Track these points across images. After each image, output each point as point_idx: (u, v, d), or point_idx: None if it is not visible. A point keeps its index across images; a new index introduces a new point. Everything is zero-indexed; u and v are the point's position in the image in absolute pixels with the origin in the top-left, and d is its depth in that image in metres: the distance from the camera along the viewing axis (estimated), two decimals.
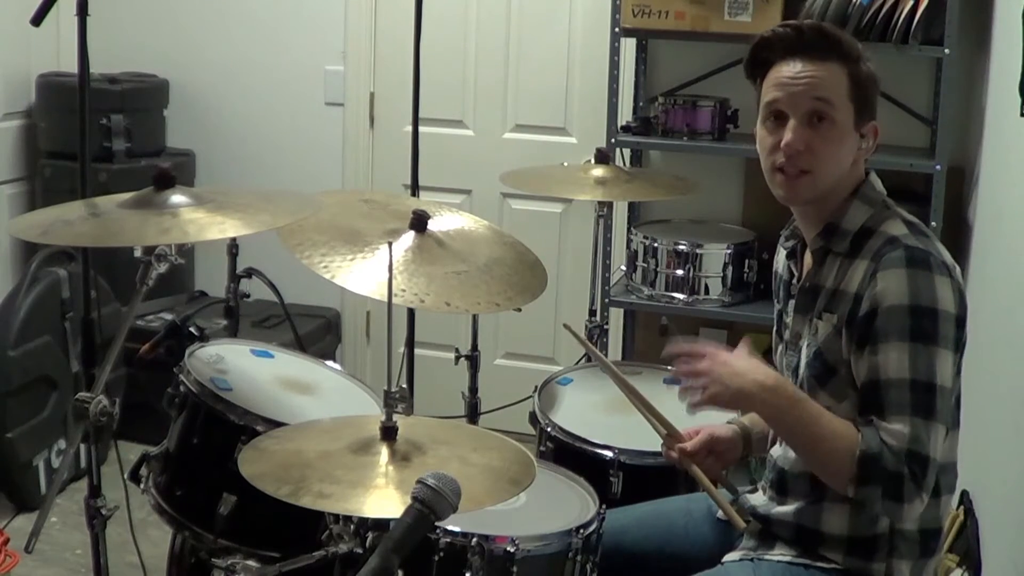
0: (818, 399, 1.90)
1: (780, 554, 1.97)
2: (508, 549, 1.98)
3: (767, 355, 2.21)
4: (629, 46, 3.91)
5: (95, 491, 2.25)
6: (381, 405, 1.87)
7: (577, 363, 3.13)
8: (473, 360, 2.92)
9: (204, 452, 2.32)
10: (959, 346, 1.84)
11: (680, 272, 3.60)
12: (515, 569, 1.98)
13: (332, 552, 1.96)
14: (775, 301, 2.14)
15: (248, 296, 2.95)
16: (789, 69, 1.89)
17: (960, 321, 1.83)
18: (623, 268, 3.80)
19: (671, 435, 2.16)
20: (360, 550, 1.95)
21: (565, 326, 2.37)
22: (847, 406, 1.87)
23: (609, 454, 2.38)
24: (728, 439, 2.13)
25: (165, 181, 2.09)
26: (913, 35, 3.26)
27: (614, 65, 3.66)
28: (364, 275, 2.26)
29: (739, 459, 2.15)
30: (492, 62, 4.26)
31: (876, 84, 1.92)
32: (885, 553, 1.89)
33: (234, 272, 2.88)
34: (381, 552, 1.42)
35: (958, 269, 1.88)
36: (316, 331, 4.27)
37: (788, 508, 1.98)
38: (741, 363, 1.88)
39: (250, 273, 2.89)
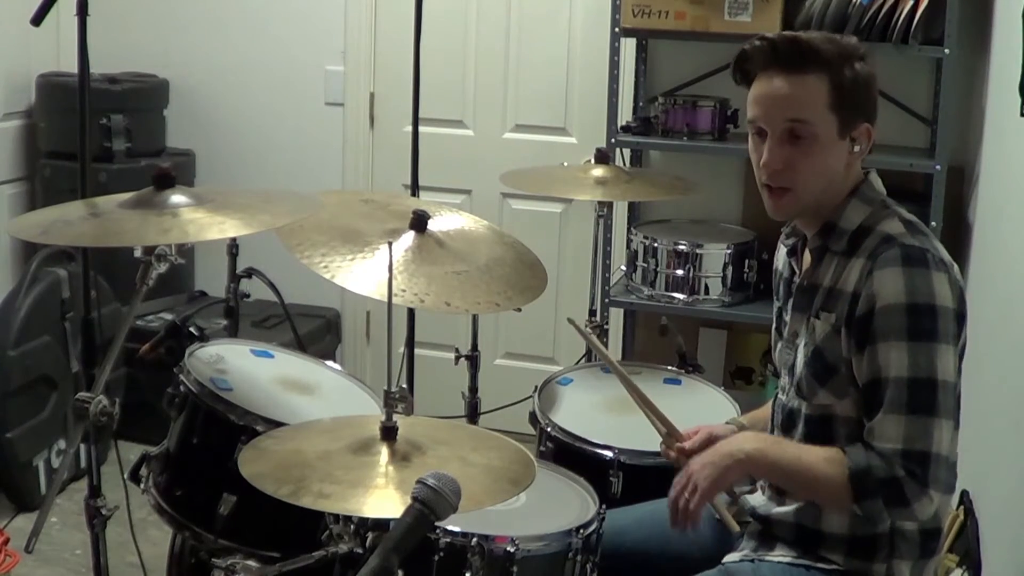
0: (817, 397, 1.91)
1: (780, 555, 1.97)
2: (508, 549, 1.98)
3: (765, 355, 2.21)
4: (629, 46, 3.91)
5: (95, 491, 2.25)
6: (381, 405, 1.87)
7: (577, 363, 3.13)
8: (473, 360, 2.92)
9: (204, 452, 2.32)
10: (958, 341, 1.84)
11: (680, 272, 3.60)
12: (515, 569, 1.98)
13: (332, 552, 1.96)
14: (775, 298, 2.15)
15: (248, 296, 2.94)
16: (766, 85, 1.89)
17: (959, 317, 1.83)
18: (623, 268, 3.80)
19: (671, 434, 2.15)
20: (360, 550, 1.94)
21: (569, 320, 2.35)
22: (848, 403, 1.88)
23: (609, 454, 2.38)
24: (727, 436, 2.13)
25: (165, 181, 2.09)
26: (913, 35, 3.26)
27: (614, 65, 3.66)
28: (364, 275, 2.26)
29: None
30: (492, 62, 4.26)
31: (868, 86, 1.90)
32: (886, 553, 1.90)
33: (234, 272, 2.88)
34: (381, 552, 1.42)
35: (956, 267, 1.88)
36: (316, 331, 4.27)
37: (788, 508, 1.98)
38: (707, 452, 1.93)
39: (250, 273, 2.89)
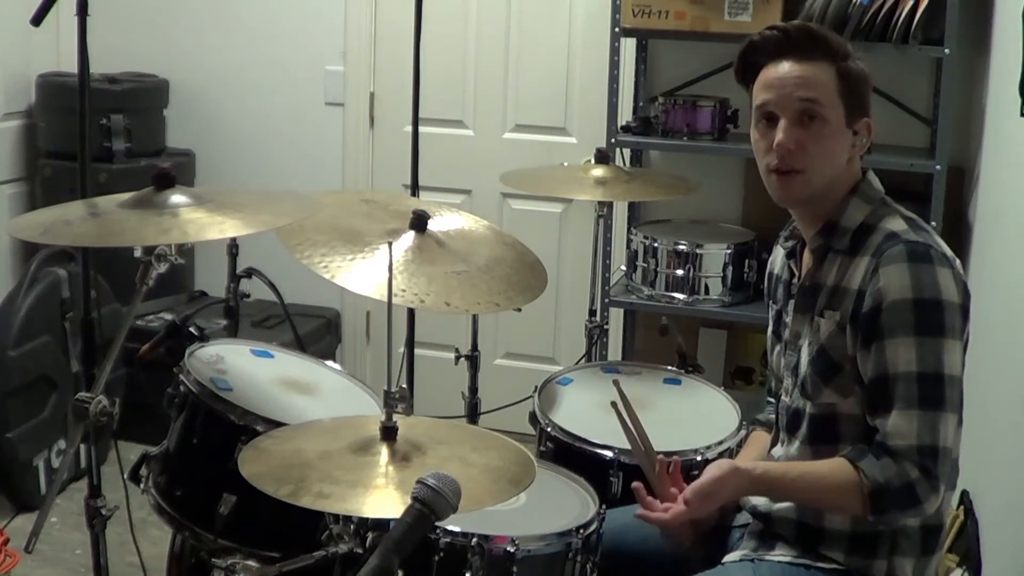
0: (822, 396, 1.92)
1: (780, 554, 1.97)
2: (508, 549, 1.98)
3: (765, 355, 2.21)
4: (629, 46, 3.91)
5: (95, 491, 2.25)
6: (381, 405, 1.87)
7: (577, 363, 3.13)
8: (473, 360, 2.92)
9: (204, 452, 2.32)
10: (963, 335, 1.85)
11: (680, 272, 3.60)
12: (515, 569, 1.98)
13: (332, 552, 1.96)
14: (771, 303, 2.15)
15: (248, 296, 2.94)
16: (778, 70, 1.90)
17: (964, 311, 1.84)
18: (623, 268, 3.81)
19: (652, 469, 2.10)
20: (360, 550, 1.95)
21: (613, 404, 2.16)
22: (852, 402, 1.89)
23: (609, 454, 2.38)
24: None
25: (165, 181, 2.09)
26: (913, 35, 3.26)
27: (614, 65, 3.66)
28: (364, 275, 2.26)
29: (715, 525, 2.12)
30: (492, 62, 4.26)
31: (867, 82, 1.93)
32: (887, 551, 1.90)
33: (234, 272, 2.88)
34: (381, 552, 1.41)
35: (958, 261, 1.89)
36: (316, 331, 4.27)
37: (789, 504, 1.97)
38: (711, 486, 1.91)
39: (250, 273, 2.89)
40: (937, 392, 1.79)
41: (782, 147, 1.88)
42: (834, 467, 1.86)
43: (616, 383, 2.20)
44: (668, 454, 2.37)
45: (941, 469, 1.78)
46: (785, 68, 1.89)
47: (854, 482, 1.81)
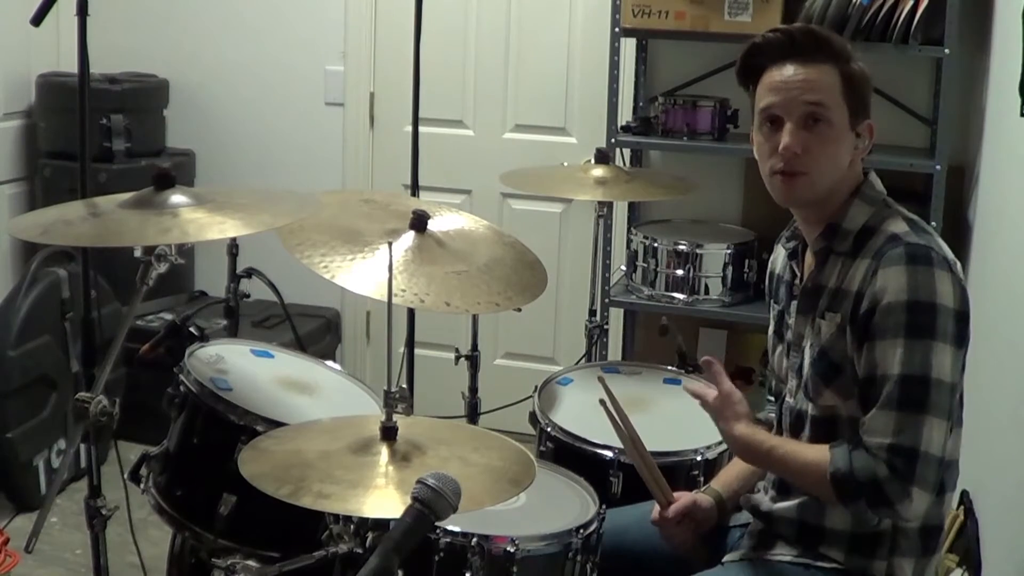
0: (823, 398, 1.92)
1: (780, 554, 1.97)
2: (508, 549, 1.98)
3: (766, 355, 2.21)
4: (629, 46, 3.91)
5: (95, 491, 2.25)
6: (381, 405, 1.87)
7: (577, 363, 3.13)
8: (473, 360, 2.92)
9: (204, 452, 2.32)
10: (962, 342, 1.83)
11: (680, 272, 3.60)
12: (515, 569, 1.99)
13: (332, 552, 1.96)
14: (772, 303, 2.15)
15: (248, 296, 2.95)
16: (782, 73, 1.90)
17: (961, 316, 1.83)
18: (623, 268, 3.81)
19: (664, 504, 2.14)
20: (360, 550, 1.95)
21: (601, 402, 2.18)
22: (853, 404, 1.88)
23: (609, 454, 2.38)
24: (705, 508, 2.13)
25: (165, 181, 2.09)
26: (913, 35, 3.26)
27: (614, 65, 3.66)
28: (364, 275, 2.26)
29: (715, 526, 2.14)
30: (492, 62, 4.26)
31: (868, 83, 1.93)
32: (887, 551, 1.90)
33: (234, 272, 2.88)
34: (381, 552, 1.42)
35: (959, 265, 1.88)
36: (316, 331, 4.27)
37: (791, 503, 1.98)
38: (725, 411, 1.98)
39: (250, 273, 2.89)
40: (920, 395, 1.77)
41: (788, 150, 1.88)
42: (812, 448, 1.89)
43: (601, 380, 2.20)
44: (668, 454, 2.38)
45: (919, 472, 1.75)
46: (789, 71, 1.89)
47: (823, 462, 1.83)
